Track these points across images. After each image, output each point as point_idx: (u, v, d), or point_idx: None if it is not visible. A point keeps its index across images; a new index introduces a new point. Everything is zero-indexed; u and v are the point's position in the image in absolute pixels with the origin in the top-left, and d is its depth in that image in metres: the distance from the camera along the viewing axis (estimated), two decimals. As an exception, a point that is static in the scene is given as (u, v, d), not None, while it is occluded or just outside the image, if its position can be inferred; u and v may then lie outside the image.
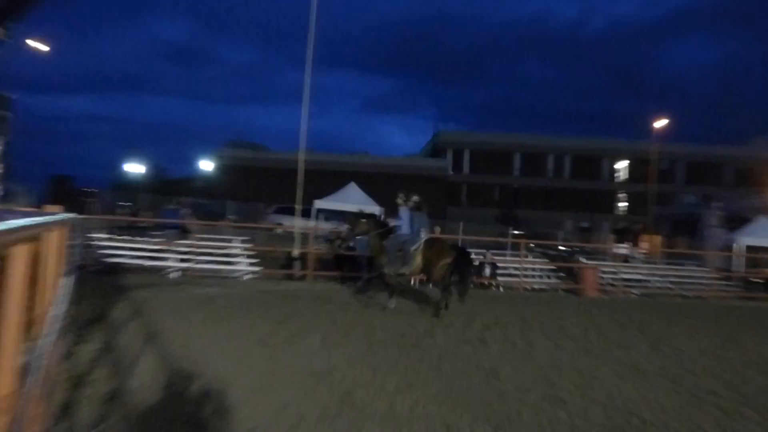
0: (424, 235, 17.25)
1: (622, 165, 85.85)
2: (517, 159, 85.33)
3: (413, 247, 16.86)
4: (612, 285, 27.27)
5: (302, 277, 24.54)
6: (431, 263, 16.47)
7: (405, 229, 17.01)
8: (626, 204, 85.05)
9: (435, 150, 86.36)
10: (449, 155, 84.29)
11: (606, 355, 12.07)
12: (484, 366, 10.53)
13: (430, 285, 19.67)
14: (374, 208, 36.97)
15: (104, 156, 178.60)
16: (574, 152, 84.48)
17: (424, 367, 10.34)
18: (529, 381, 9.62)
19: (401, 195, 17.38)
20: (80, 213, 15.86)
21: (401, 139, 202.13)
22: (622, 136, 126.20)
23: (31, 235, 2.86)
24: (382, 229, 17.69)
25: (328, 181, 51.42)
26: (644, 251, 34.55)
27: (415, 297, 19.70)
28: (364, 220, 18.05)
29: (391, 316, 15.68)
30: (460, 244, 31.87)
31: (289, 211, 46.23)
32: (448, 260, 16.26)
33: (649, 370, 10.92)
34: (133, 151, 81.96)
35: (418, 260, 16.78)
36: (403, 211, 17.18)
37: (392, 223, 17.79)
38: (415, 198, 17.47)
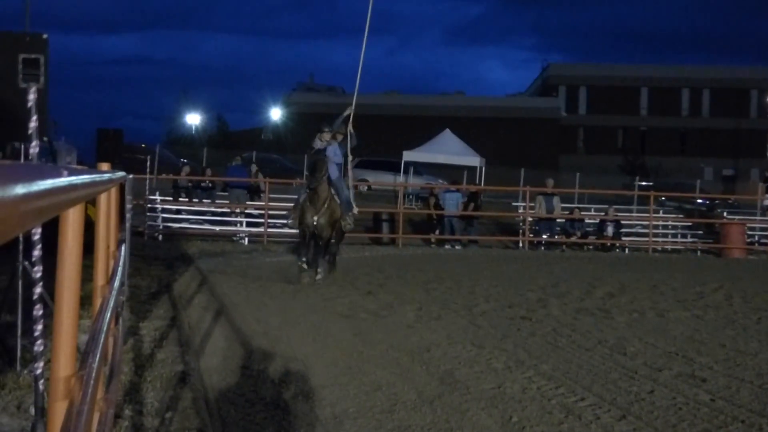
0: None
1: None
2: (645, 95, 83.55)
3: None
4: (762, 244, 26.75)
5: (392, 241, 24.79)
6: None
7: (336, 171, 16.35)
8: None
9: (545, 87, 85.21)
10: (562, 93, 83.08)
11: (755, 327, 11.92)
12: (607, 340, 10.53)
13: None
14: (474, 159, 36.93)
15: (154, 105, 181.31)
16: (714, 84, 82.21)
17: (537, 342, 10.40)
18: (661, 357, 9.59)
19: (327, 128, 16.28)
20: (133, 172, 16.33)
21: (502, 75, 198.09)
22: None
23: (85, 197, 3.00)
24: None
25: (417, 128, 51.51)
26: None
27: (522, 262, 19.69)
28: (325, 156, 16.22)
29: (496, 285, 15.74)
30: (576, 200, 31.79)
31: (375, 165, 46.50)
32: None
33: (808, 344, 10.74)
34: (188, 99, 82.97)
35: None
36: (334, 147, 16.32)
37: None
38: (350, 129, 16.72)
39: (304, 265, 15.56)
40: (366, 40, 17.38)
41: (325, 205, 15.60)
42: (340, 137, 16.46)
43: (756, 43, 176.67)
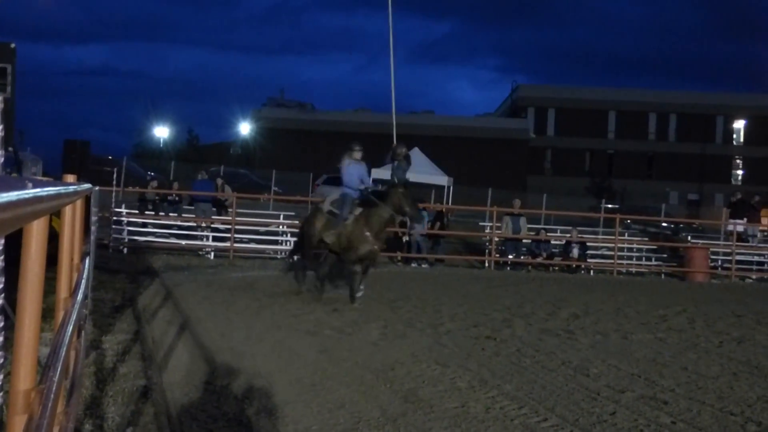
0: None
1: (739, 124, 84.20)
2: (612, 118, 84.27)
3: None
4: (725, 268, 26.96)
5: (358, 259, 24.70)
6: None
7: None
8: (744, 172, 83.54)
9: (514, 108, 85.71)
10: (531, 114, 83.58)
11: (716, 350, 11.99)
12: (571, 361, 10.56)
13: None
14: (442, 178, 37.03)
15: (120, 117, 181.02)
16: (680, 110, 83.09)
17: (501, 362, 10.41)
18: (624, 379, 9.63)
19: (358, 147, 16.20)
20: (99, 184, 16.32)
21: (471, 95, 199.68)
22: (741, 89, 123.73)
23: (50, 209, 2.97)
24: None
25: (386, 146, 51.59)
26: (765, 228, 34.01)
27: (488, 282, 19.73)
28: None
29: (462, 304, 15.76)
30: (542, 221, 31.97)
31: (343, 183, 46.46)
32: None
33: (768, 368, 10.83)
34: (156, 111, 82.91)
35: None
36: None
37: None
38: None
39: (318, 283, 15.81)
40: (393, 60, 17.61)
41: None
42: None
43: (722, 70, 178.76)
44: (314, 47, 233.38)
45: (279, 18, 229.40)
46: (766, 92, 71.48)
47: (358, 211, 15.35)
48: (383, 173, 37.47)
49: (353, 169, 15.77)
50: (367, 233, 15.09)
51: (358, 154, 15.97)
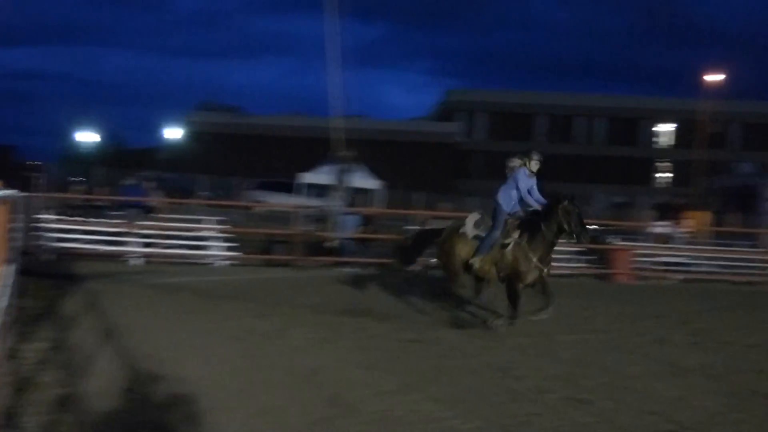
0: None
1: (665, 128, 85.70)
2: (541, 122, 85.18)
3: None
4: (649, 270, 27.34)
5: (286, 264, 24.63)
6: None
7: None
8: (670, 175, 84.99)
9: (445, 112, 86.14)
10: (461, 118, 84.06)
11: (638, 351, 12.20)
12: (495, 363, 10.66)
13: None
14: (373, 182, 37.10)
15: (48, 122, 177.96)
16: (607, 114, 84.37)
17: (427, 365, 10.47)
18: (548, 380, 9.75)
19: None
20: (23, 190, 16.06)
21: (404, 99, 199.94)
22: (666, 93, 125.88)
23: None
24: None
25: (317, 149, 51.58)
26: (688, 230, 34.61)
27: (414, 285, 19.78)
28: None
29: (390, 309, 15.75)
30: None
31: (273, 187, 46.28)
32: None
33: (688, 368, 11.04)
34: (83, 116, 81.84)
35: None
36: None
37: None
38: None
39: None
40: (341, 63, 17.33)
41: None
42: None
43: (648, 74, 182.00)
44: (245, 51, 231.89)
45: (209, 21, 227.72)
46: (692, 97, 72.42)
47: (517, 233, 13.92)
48: (318, 177, 37.53)
49: (523, 182, 14.28)
50: (533, 258, 13.76)
51: (535, 165, 14.34)
